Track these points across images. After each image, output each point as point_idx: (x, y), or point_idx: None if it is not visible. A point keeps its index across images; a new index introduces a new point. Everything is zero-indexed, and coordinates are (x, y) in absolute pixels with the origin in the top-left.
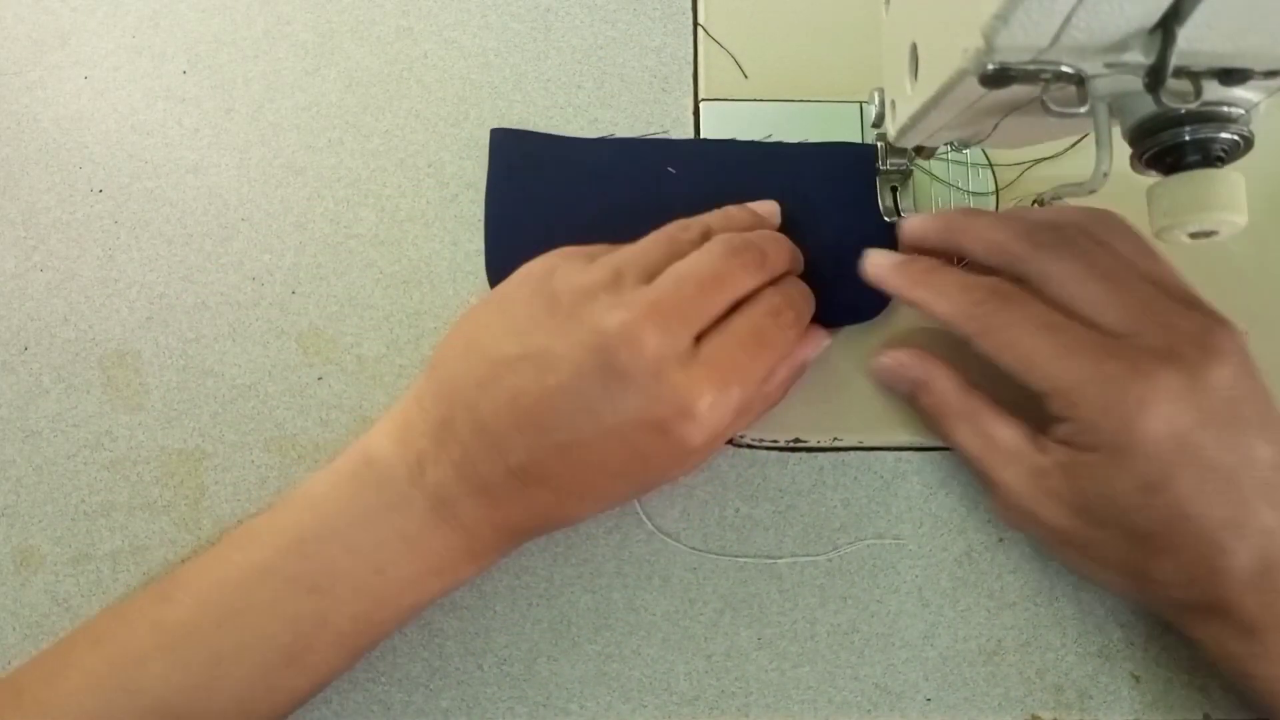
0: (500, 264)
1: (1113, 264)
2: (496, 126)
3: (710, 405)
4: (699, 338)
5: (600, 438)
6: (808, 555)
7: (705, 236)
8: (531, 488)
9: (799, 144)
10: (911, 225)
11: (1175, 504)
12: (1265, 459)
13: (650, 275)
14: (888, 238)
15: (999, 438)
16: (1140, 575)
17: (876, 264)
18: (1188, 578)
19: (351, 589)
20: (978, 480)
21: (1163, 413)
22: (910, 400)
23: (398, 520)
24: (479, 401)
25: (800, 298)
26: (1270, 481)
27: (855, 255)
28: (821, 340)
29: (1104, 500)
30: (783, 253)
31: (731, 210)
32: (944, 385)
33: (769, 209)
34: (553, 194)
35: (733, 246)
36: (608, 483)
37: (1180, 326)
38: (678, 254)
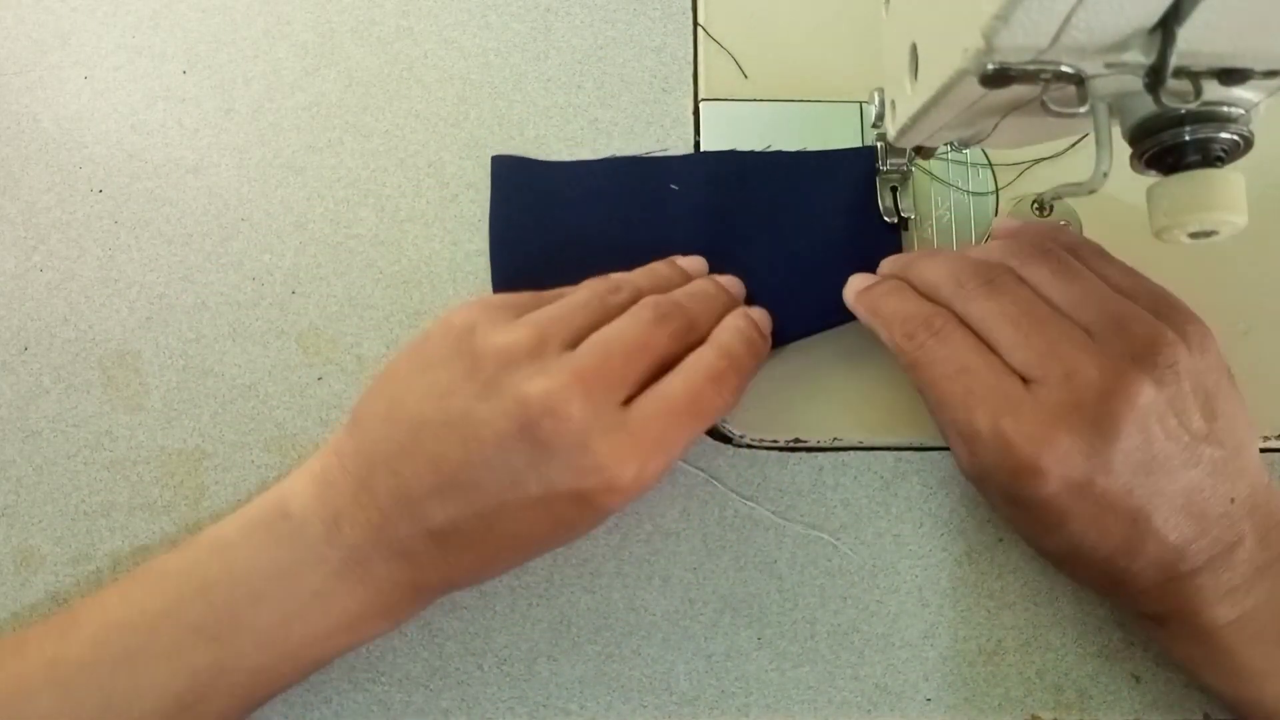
0: (506, 291)
1: (1028, 304)
2: (497, 154)
3: (635, 476)
4: (629, 400)
5: (523, 507)
6: (806, 553)
7: (635, 298)
8: (451, 552)
9: (799, 152)
10: (885, 261)
11: (1070, 540)
12: (1178, 488)
13: (575, 340)
14: (889, 239)
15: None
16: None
17: (850, 288)
18: (1101, 588)
19: (254, 642)
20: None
21: (1057, 477)
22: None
23: (310, 576)
24: (400, 466)
25: (745, 345)
26: (1184, 502)
27: (858, 258)
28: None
29: (1009, 522)
30: (713, 310)
31: (658, 267)
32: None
33: (697, 266)
34: (556, 219)
35: (661, 313)
36: (528, 546)
37: (1084, 372)
38: (606, 317)
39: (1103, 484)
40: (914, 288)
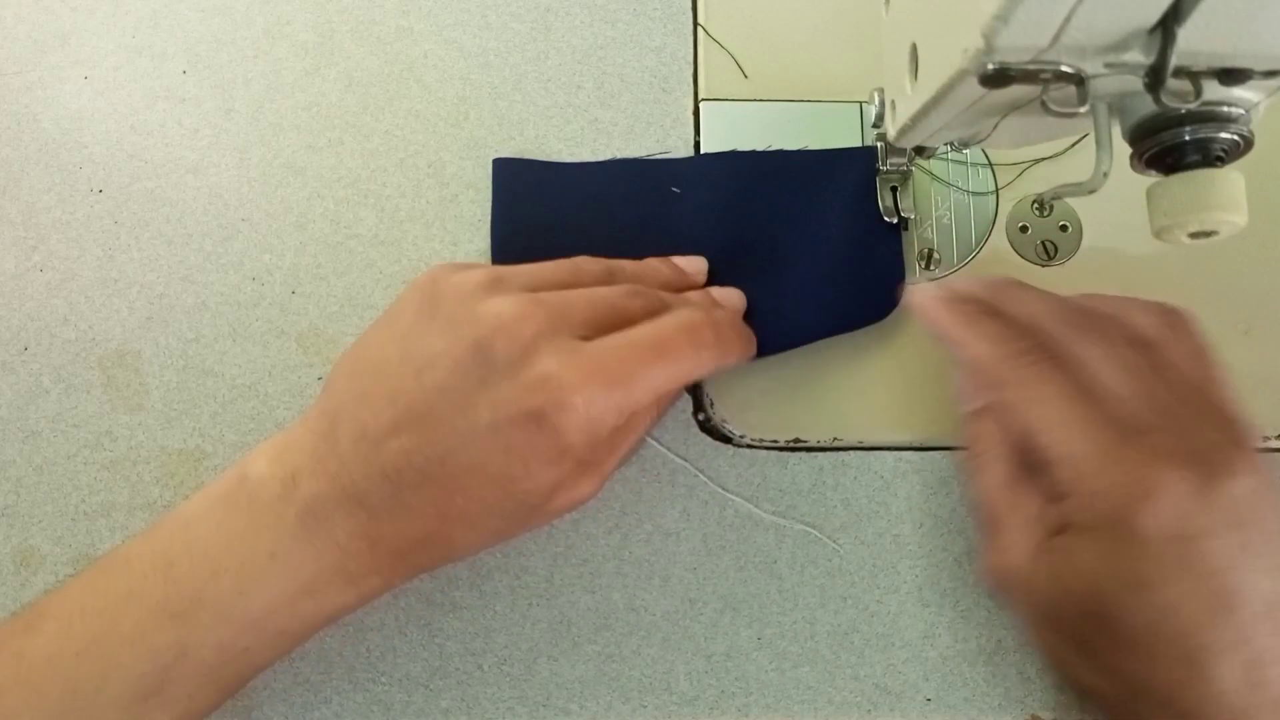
0: None
1: (1143, 363)
2: (498, 157)
3: (587, 399)
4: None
5: (476, 436)
6: (806, 553)
7: (613, 277)
8: (406, 493)
9: (800, 151)
10: (959, 282)
11: (1164, 607)
12: (1265, 591)
13: (538, 287)
14: (891, 240)
15: (1021, 492)
16: (1112, 672)
17: (922, 295)
18: (1163, 684)
19: (214, 614)
20: (979, 522)
21: (1168, 509)
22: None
23: (265, 538)
24: (360, 411)
25: (730, 328)
26: (1265, 615)
27: (862, 259)
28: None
29: (1090, 587)
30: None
31: (653, 262)
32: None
33: (696, 266)
34: (557, 221)
35: (637, 291)
36: (487, 492)
37: (1203, 434)
38: (577, 282)
39: (1204, 546)
40: (1005, 312)
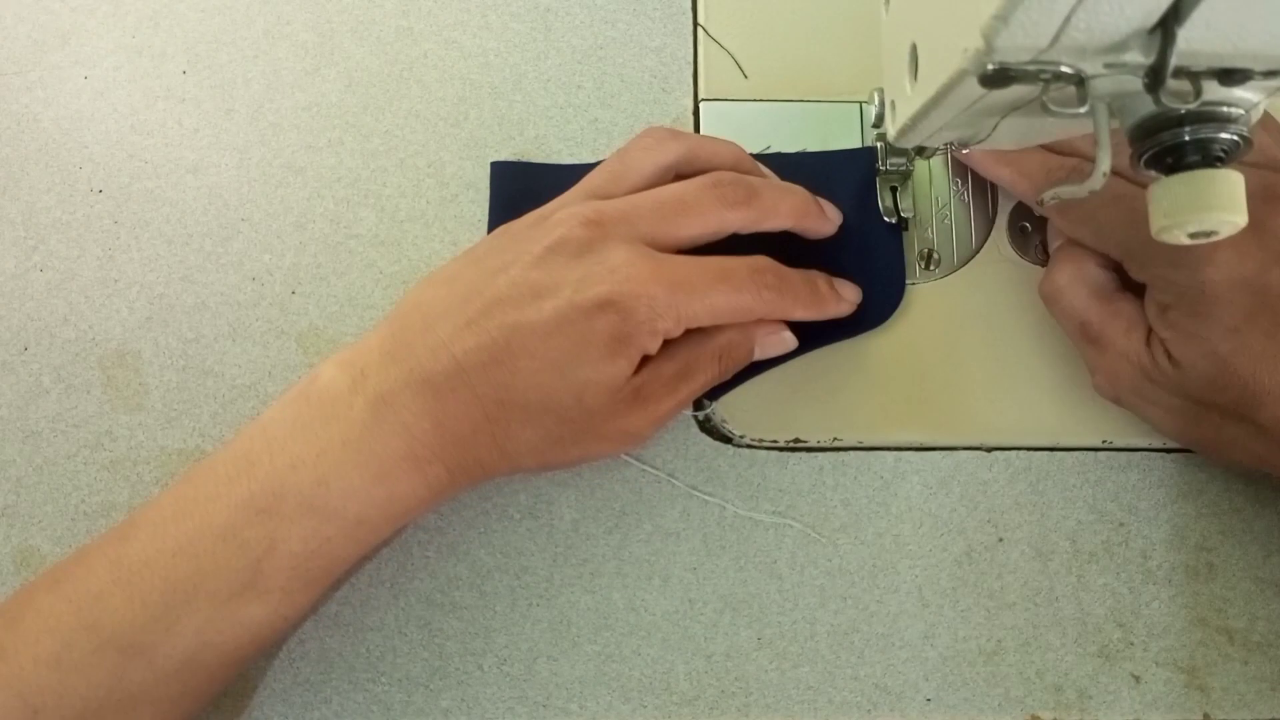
0: None
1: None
2: (496, 160)
3: (650, 294)
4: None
5: (542, 322)
6: (806, 553)
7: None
8: (472, 375)
9: (799, 153)
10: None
11: (1257, 344)
12: None
13: (603, 196)
14: (893, 241)
15: (1117, 300)
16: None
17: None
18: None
19: (296, 505)
20: (1079, 343)
21: (1226, 258)
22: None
23: (337, 428)
24: (430, 312)
25: (800, 280)
26: None
27: (864, 261)
28: (786, 343)
29: (1199, 357)
30: (784, 199)
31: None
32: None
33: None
34: None
35: (717, 180)
36: (546, 379)
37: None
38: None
39: (1268, 277)
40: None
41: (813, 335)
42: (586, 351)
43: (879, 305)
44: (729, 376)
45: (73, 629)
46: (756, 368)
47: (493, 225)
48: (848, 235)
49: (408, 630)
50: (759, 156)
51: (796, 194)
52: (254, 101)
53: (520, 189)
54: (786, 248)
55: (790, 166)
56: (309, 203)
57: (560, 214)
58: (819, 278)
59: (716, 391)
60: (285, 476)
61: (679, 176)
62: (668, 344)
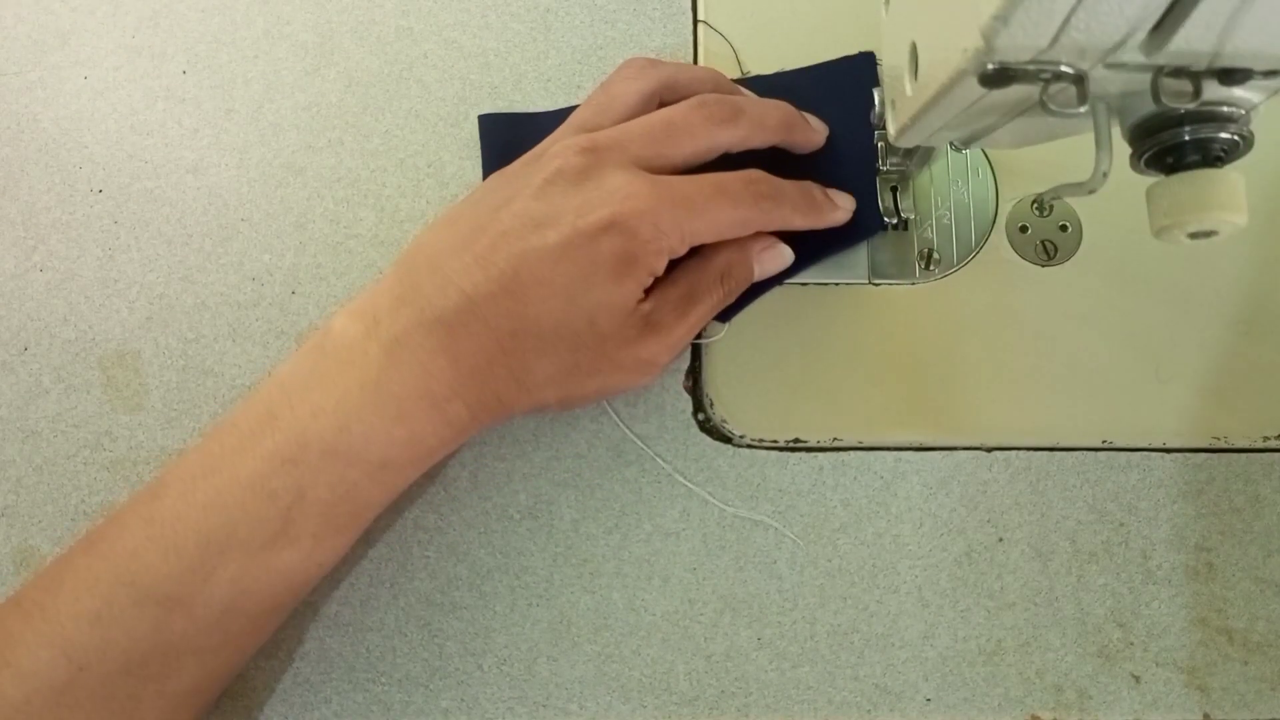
0: None
1: None
2: (483, 113)
3: (655, 212)
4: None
5: (547, 248)
6: (806, 553)
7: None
8: (483, 307)
9: (794, 70)
10: None
11: None
12: None
13: (593, 128)
14: (868, 146)
15: None
16: None
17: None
18: None
19: (320, 452)
20: None
21: None
22: None
23: (354, 373)
24: (437, 253)
25: (795, 189)
26: None
27: (852, 171)
28: (783, 256)
29: None
30: (770, 112)
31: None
32: None
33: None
34: None
35: (703, 101)
36: (556, 305)
37: None
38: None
39: None
40: None
41: (809, 252)
42: (595, 275)
43: (871, 219)
44: (734, 298)
45: (111, 585)
46: (759, 288)
47: (486, 175)
48: (842, 148)
49: (408, 630)
50: (739, 81)
51: (781, 108)
52: (254, 102)
53: (510, 138)
54: (777, 167)
55: (785, 84)
56: (309, 203)
57: (555, 148)
58: (813, 186)
59: (725, 314)
60: (307, 425)
61: (663, 103)
62: (670, 270)
